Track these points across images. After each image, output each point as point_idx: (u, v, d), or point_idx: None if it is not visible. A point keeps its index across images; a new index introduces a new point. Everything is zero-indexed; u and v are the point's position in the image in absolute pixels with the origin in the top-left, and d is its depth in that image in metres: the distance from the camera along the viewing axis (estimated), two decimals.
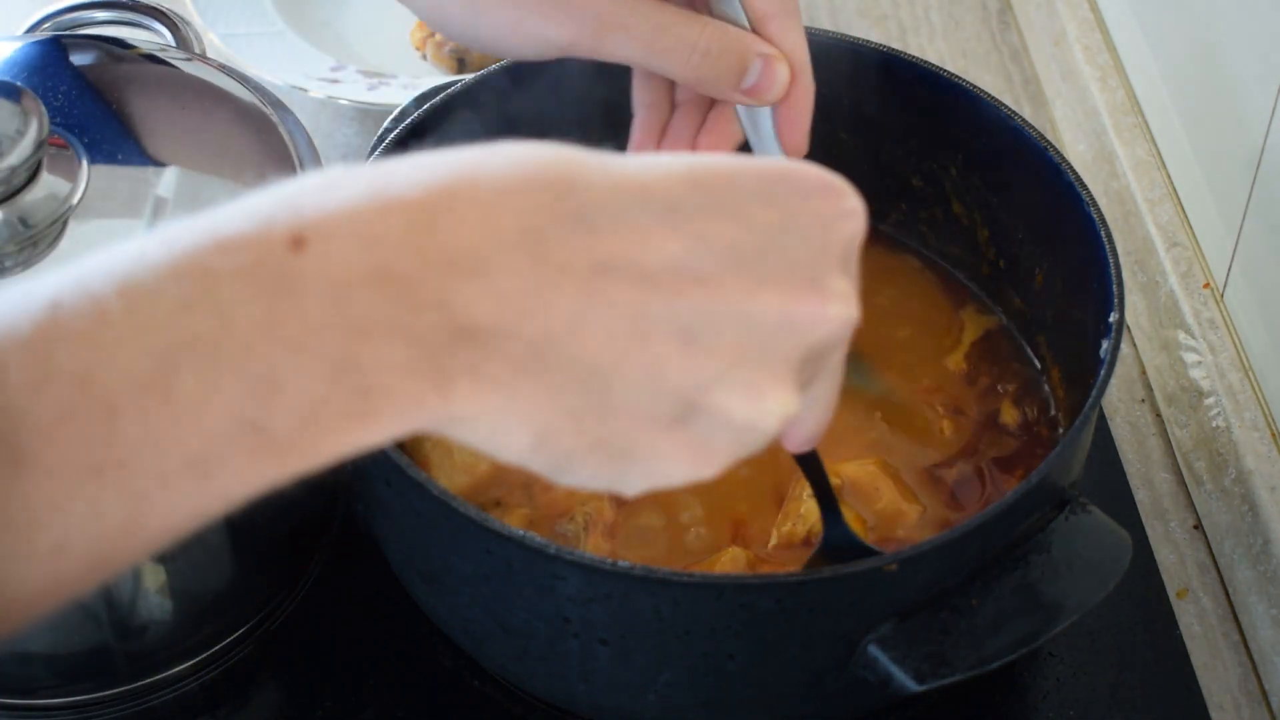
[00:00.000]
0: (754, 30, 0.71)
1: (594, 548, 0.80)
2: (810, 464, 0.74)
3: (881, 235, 0.96)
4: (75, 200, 0.76)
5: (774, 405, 0.49)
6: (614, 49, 0.70)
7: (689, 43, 0.70)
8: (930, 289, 0.94)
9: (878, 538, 0.80)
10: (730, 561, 0.79)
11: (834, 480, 0.78)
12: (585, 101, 0.92)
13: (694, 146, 0.77)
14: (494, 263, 0.45)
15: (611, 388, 0.46)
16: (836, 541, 0.76)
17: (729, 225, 0.48)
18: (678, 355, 0.47)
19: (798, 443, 0.58)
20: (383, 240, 0.44)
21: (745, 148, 0.78)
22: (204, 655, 0.84)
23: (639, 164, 0.48)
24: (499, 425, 0.46)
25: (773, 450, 0.83)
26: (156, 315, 0.42)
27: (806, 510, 0.80)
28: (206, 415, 0.43)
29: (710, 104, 0.76)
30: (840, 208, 0.51)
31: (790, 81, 0.72)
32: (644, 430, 0.48)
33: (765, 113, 0.74)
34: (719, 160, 0.49)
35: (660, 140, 0.77)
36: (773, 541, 0.81)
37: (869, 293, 0.91)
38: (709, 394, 0.48)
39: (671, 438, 0.48)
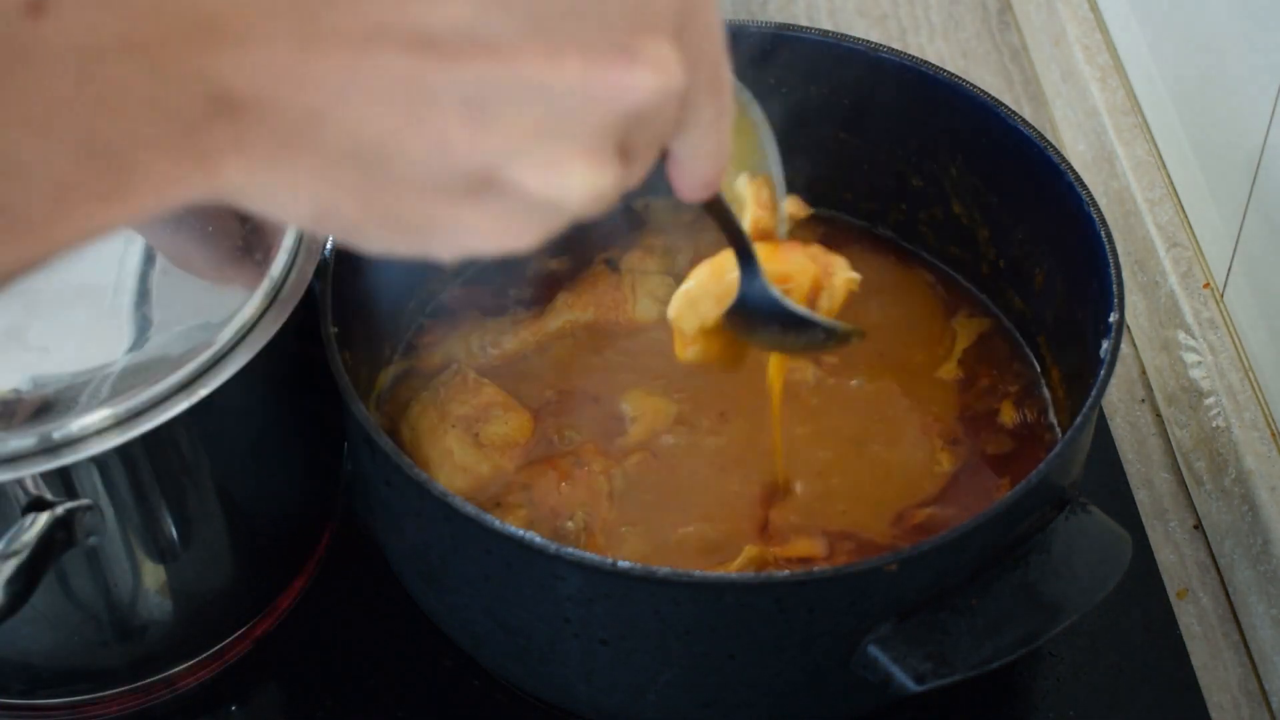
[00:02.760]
0: None
1: (594, 548, 0.80)
2: (717, 212, 0.66)
3: (879, 239, 0.96)
4: None
5: (577, 181, 0.44)
6: None
7: None
8: (922, 296, 0.94)
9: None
10: (744, 559, 0.79)
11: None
12: None
13: None
14: (256, 30, 0.41)
15: (390, 163, 0.43)
16: (754, 298, 0.72)
17: None
18: (462, 130, 0.43)
19: (688, 191, 0.54)
20: (134, 3, 0.40)
21: None
22: (204, 655, 0.84)
23: None
24: (272, 197, 0.44)
25: (767, 455, 0.85)
26: None
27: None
28: None
29: None
30: None
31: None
32: (437, 204, 0.44)
33: None
34: None
35: None
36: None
37: (862, 303, 0.93)
38: (503, 171, 0.44)
39: (470, 210, 0.44)
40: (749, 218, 0.76)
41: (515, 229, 0.45)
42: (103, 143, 0.41)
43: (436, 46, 0.42)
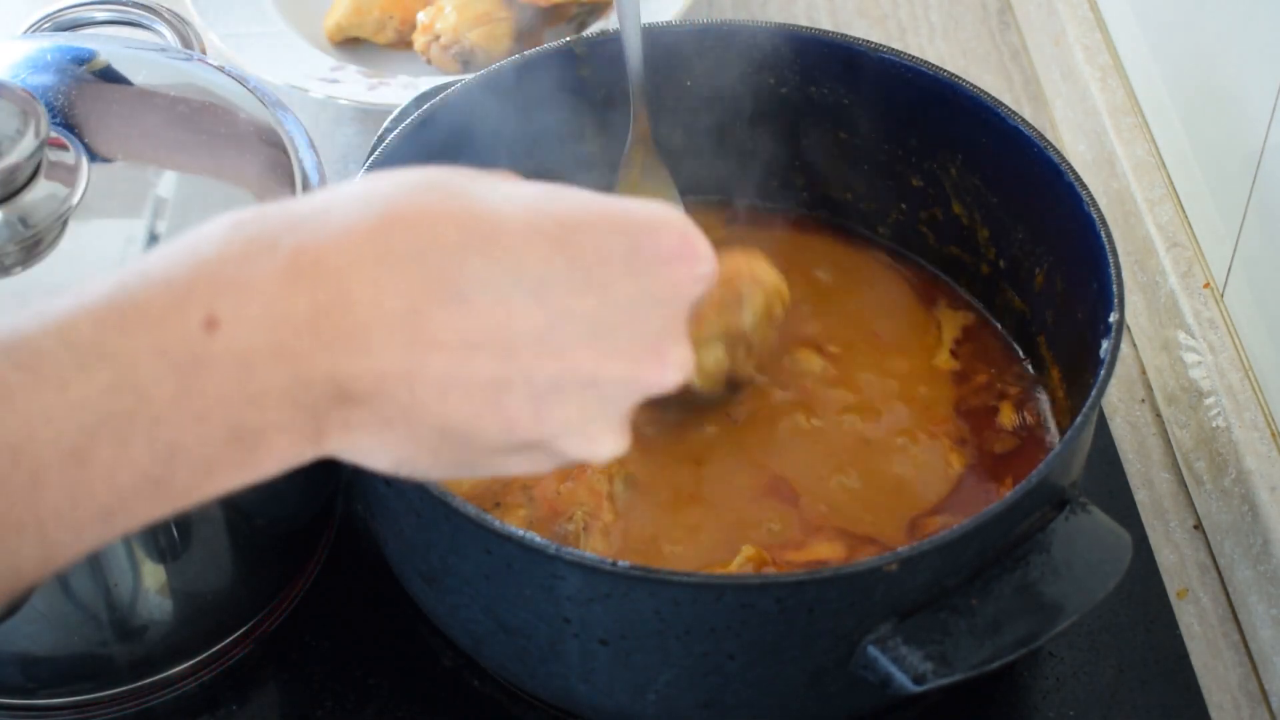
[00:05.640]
0: None
1: (594, 548, 0.80)
2: None
3: (866, 238, 0.96)
4: (75, 200, 0.76)
5: (605, 449, 0.57)
6: None
7: None
8: (902, 290, 0.94)
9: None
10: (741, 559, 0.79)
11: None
12: (581, 98, 0.92)
13: None
14: (377, 342, 0.51)
15: (467, 437, 0.54)
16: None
17: (590, 299, 0.54)
18: (529, 416, 0.54)
19: None
20: (287, 321, 0.51)
21: None
22: (204, 655, 0.84)
23: (517, 222, 0.54)
24: (364, 456, 0.54)
25: (769, 455, 0.85)
26: (86, 394, 0.48)
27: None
28: (118, 476, 0.49)
29: None
30: (695, 273, 0.57)
31: None
32: (493, 458, 0.56)
33: None
34: (589, 217, 0.55)
35: None
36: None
37: (853, 299, 0.93)
38: (552, 442, 0.56)
39: (514, 460, 0.56)
40: None
41: (542, 469, 0.57)
42: (247, 430, 0.51)
43: (515, 352, 0.53)
